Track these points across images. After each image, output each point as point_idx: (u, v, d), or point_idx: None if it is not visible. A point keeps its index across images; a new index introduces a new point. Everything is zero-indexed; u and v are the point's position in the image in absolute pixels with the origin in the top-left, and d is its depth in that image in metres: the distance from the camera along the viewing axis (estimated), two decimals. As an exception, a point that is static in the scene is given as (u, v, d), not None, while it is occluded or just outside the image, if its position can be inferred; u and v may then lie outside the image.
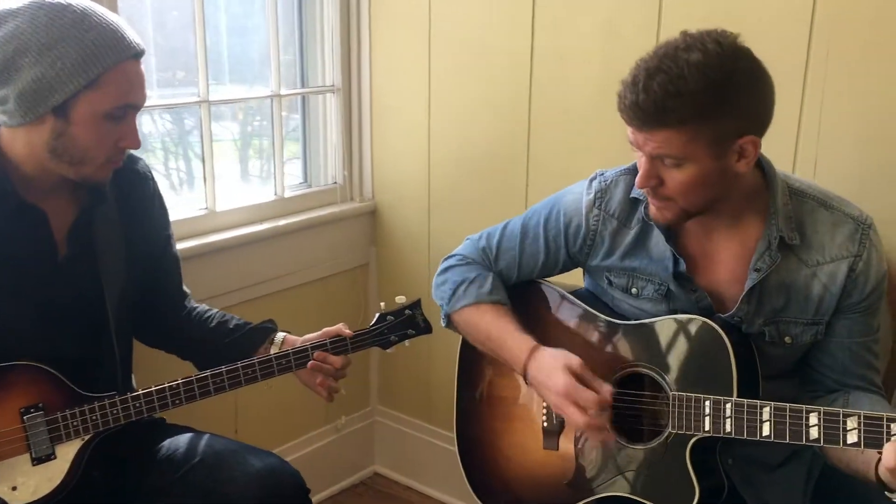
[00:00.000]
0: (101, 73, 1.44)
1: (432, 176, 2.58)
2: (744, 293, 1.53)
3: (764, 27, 1.87)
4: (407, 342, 1.82)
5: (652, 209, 1.52)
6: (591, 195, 1.66)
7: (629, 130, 1.44)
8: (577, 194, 1.69)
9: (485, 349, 1.74)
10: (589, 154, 2.22)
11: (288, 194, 2.57)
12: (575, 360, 1.56)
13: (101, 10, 1.48)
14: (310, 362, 1.69)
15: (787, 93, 1.85)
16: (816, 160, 1.87)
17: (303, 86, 2.65)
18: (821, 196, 1.54)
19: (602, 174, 1.68)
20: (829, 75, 1.82)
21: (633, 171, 1.64)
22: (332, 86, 2.64)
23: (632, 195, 1.62)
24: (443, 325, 1.80)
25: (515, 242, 1.74)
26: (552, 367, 1.58)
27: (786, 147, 1.90)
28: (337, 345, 1.72)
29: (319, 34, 2.62)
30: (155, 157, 2.43)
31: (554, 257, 1.72)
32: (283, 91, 2.52)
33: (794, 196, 1.53)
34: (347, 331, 1.73)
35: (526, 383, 1.65)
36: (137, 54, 1.50)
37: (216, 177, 2.37)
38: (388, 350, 1.80)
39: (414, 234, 2.67)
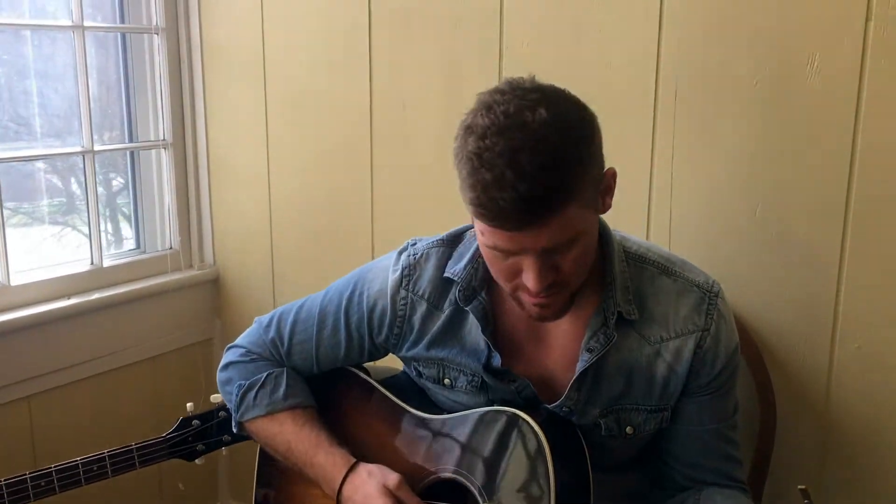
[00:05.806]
0: None
1: (275, 236, 2.29)
2: (573, 379, 1.26)
3: (611, 71, 1.66)
4: (224, 450, 1.56)
5: (534, 311, 1.20)
6: (398, 273, 1.37)
7: (496, 239, 1.11)
8: (382, 270, 1.40)
9: (288, 464, 1.43)
10: (434, 205, 1.97)
11: (107, 263, 2.25)
12: (392, 479, 1.32)
13: None
14: None
15: (637, 146, 1.64)
16: (671, 218, 1.63)
17: (131, 140, 2.35)
18: (662, 261, 1.30)
19: (413, 244, 1.40)
20: (678, 118, 1.60)
21: (449, 241, 1.37)
22: (163, 140, 2.35)
23: (445, 274, 1.34)
24: (234, 430, 1.49)
25: (311, 333, 1.44)
26: (369, 491, 1.31)
27: (638, 206, 1.67)
28: (118, 460, 1.46)
29: (150, 84, 2.34)
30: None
31: (357, 348, 1.43)
32: (98, 146, 2.21)
33: (632, 262, 1.29)
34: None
35: None
36: None
37: (15, 246, 2.05)
38: (196, 462, 1.56)
39: (262, 303, 2.37)
